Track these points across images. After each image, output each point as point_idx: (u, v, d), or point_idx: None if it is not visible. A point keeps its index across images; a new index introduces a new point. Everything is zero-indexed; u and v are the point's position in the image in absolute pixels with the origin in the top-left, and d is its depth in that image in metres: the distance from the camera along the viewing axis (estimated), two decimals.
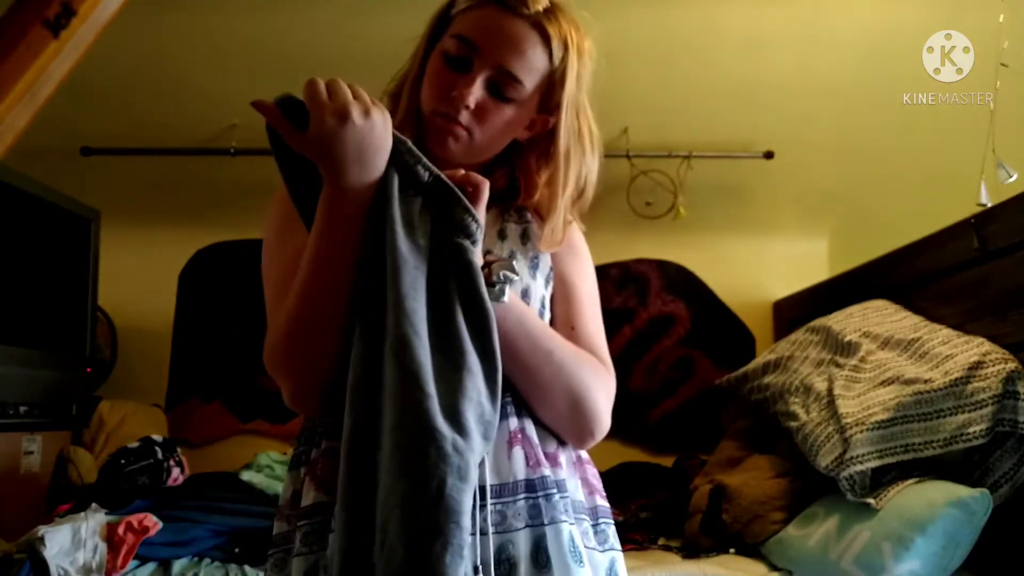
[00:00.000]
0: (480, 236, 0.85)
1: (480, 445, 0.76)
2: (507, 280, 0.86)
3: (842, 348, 2.00)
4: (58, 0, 0.59)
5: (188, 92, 2.75)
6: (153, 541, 1.75)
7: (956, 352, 1.67)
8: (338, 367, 0.83)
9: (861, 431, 1.66)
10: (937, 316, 1.89)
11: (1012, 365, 1.58)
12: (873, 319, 2.02)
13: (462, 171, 0.87)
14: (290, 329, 0.84)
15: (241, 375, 2.68)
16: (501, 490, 0.86)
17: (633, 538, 2.04)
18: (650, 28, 2.65)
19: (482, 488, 0.82)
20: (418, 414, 0.72)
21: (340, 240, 0.82)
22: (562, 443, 0.95)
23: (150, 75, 2.72)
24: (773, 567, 1.83)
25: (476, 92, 0.93)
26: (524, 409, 0.92)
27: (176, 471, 2.14)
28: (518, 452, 0.88)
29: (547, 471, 0.89)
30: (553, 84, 0.97)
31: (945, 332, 1.78)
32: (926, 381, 1.65)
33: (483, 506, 0.82)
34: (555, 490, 0.88)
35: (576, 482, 0.95)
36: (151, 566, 1.75)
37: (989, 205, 1.82)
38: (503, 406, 0.89)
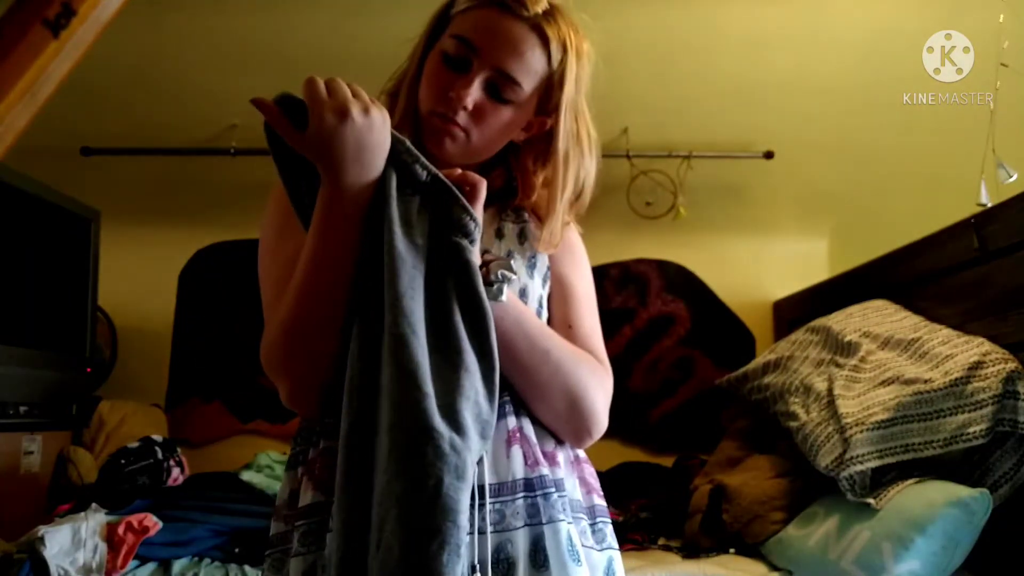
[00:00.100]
0: (478, 235, 0.85)
1: (478, 444, 0.76)
2: (505, 279, 0.86)
3: (842, 348, 2.00)
4: (58, 0, 0.59)
5: (188, 92, 2.75)
6: (153, 541, 1.75)
7: (956, 352, 1.67)
8: (336, 367, 0.83)
9: (861, 431, 1.66)
10: (937, 316, 1.89)
11: (1012, 365, 1.58)
12: (873, 319, 2.02)
13: (459, 170, 0.87)
14: (288, 329, 0.84)
15: (241, 375, 2.68)
16: (500, 489, 0.86)
17: (633, 538, 2.04)
18: (650, 28, 2.65)
19: (481, 487, 0.82)
20: (415, 413, 0.72)
21: (338, 239, 0.82)
22: (560, 442, 0.95)
23: (150, 75, 2.72)
24: (773, 567, 1.83)
25: (474, 93, 0.93)
26: (522, 408, 0.92)
27: (176, 471, 2.15)
28: (516, 451, 0.88)
29: (545, 470, 0.89)
30: (552, 86, 0.97)
31: (945, 332, 1.78)
32: (926, 381, 1.65)
33: (482, 505, 0.82)
34: (553, 489, 0.88)
35: (574, 481, 0.95)
36: (151, 566, 1.75)
37: (989, 205, 1.82)
38: (501, 405, 0.89)
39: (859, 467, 1.65)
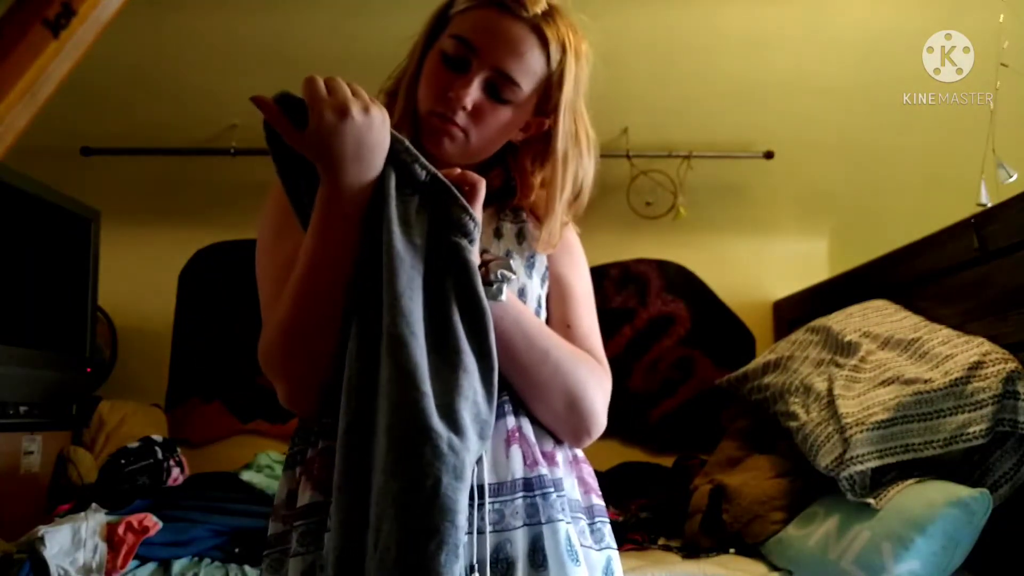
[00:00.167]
0: (477, 235, 0.84)
1: (476, 444, 0.76)
2: (505, 279, 0.86)
3: (842, 348, 2.00)
4: (58, 0, 0.59)
5: (188, 92, 2.75)
6: (153, 541, 1.75)
7: (956, 352, 1.67)
8: (334, 367, 0.83)
9: (861, 431, 1.66)
10: (937, 316, 1.89)
11: (1012, 365, 1.58)
12: (873, 319, 2.02)
13: (459, 169, 0.87)
14: (286, 328, 0.84)
15: (241, 375, 2.68)
16: (499, 489, 0.86)
17: (633, 538, 2.04)
18: (650, 28, 2.66)
19: (480, 487, 0.82)
20: (414, 413, 0.72)
21: (337, 239, 0.82)
22: (559, 442, 0.95)
23: (150, 75, 2.73)
24: (773, 567, 1.83)
25: (473, 93, 0.93)
26: (521, 408, 0.92)
27: (176, 471, 2.15)
28: (516, 451, 0.88)
29: (544, 470, 0.89)
30: (550, 87, 0.97)
31: (945, 332, 1.78)
32: (926, 381, 1.65)
33: (481, 505, 0.82)
34: (552, 489, 0.88)
35: (573, 481, 0.95)
36: (151, 566, 1.75)
37: (989, 205, 1.82)
38: (500, 405, 0.89)
39: (859, 467, 1.65)
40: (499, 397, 0.85)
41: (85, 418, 2.39)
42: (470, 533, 0.80)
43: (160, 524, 1.77)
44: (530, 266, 1.01)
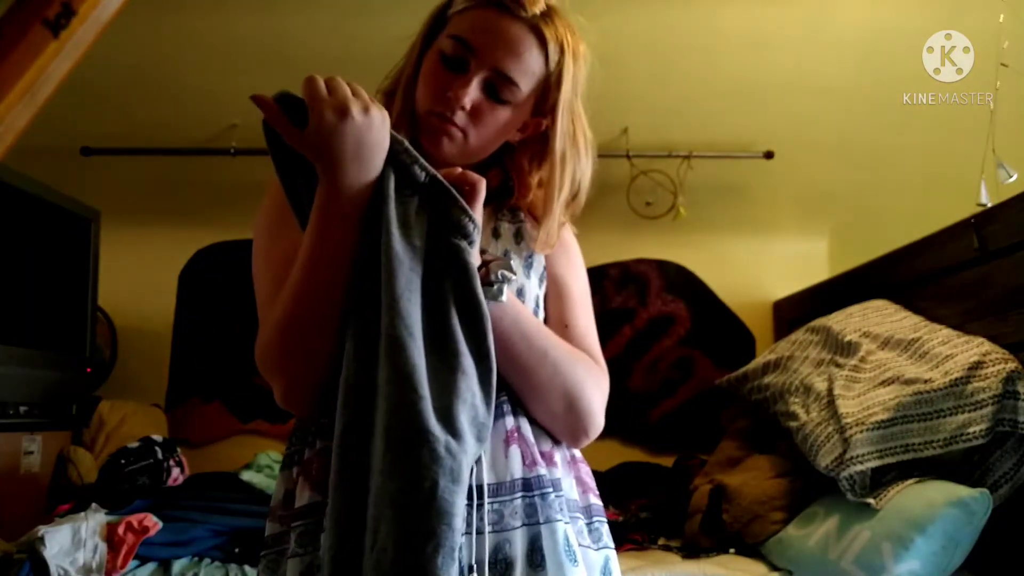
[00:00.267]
0: (477, 237, 0.84)
1: (473, 447, 0.76)
2: (505, 280, 0.86)
3: (842, 348, 2.00)
4: (58, 0, 0.59)
5: (188, 92, 2.75)
6: (153, 541, 1.75)
7: (956, 352, 1.67)
8: (331, 366, 0.83)
9: (861, 431, 1.66)
10: (937, 316, 1.89)
11: (1012, 365, 1.58)
12: (873, 319, 2.02)
13: (459, 169, 0.87)
14: (284, 328, 0.84)
15: (241, 375, 2.68)
16: (498, 489, 0.86)
17: (633, 538, 2.04)
18: (650, 28, 2.65)
19: (479, 487, 0.82)
20: (411, 415, 0.72)
21: (336, 239, 0.82)
22: (557, 442, 0.95)
23: (150, 75, 2.73)
24: (773, 567, 1.83)
25: (472, 93, 0.93)
26: (520, 408, 0.92)
27: (176, 471, 2.15)
28: (515, 451, 0.88)
29: (543, 470, 0.89)
30: (548, 87, 0.97)
31: (945, 332, 1.78)
32: (926, 381, 1.65)
33: (480, 505, 0.82)
34: (551, 489, 0.88)
35: (571, 481, 0.95)
36: (151, 566, 1.75)
37: (989, 205, 1.82)
38: (499, 405, 0.89)
39: (859, 467, 1.65)
40: (498, 397, 0.85)
41: (85, 418, 2.39)
42: (469, 533, 0.80)
43: (160, 524, 1.77)
44: (528, 266, 1.01)
